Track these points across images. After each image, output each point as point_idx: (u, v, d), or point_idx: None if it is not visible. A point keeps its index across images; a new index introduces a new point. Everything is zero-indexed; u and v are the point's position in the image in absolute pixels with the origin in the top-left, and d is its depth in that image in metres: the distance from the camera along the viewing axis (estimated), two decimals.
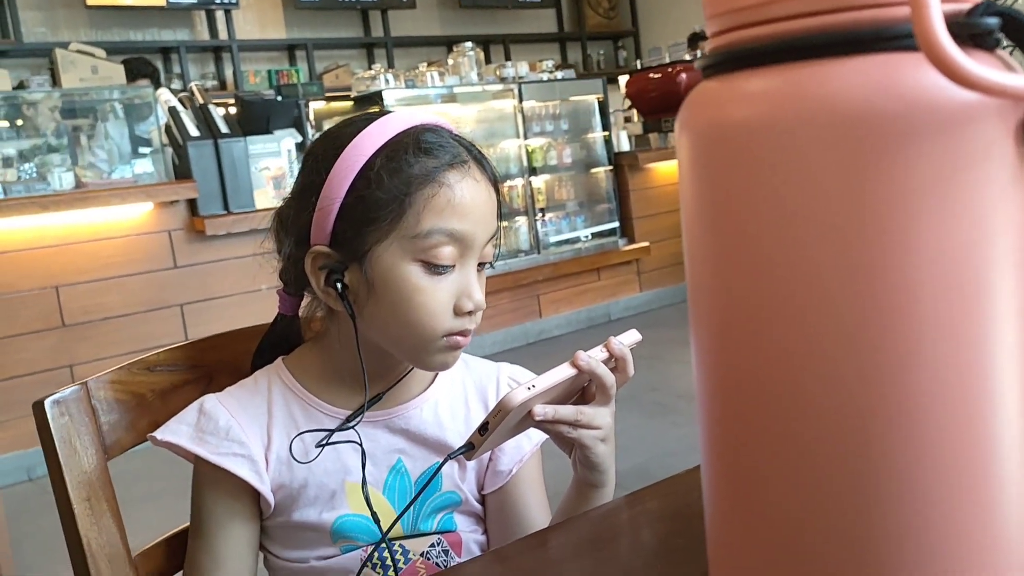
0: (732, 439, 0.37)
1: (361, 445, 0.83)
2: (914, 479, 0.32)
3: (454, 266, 0.80)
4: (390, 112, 0.84)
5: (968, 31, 0.30)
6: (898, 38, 0.29)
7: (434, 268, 0.79)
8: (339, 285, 0.80)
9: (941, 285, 0.30)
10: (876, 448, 0.32)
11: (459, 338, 0.81)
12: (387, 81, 4.76)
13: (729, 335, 0.36)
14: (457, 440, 0.88)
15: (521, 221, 5.07)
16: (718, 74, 0.34)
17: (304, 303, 0.90)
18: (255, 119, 4.09)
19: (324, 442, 0.83)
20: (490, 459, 0.92)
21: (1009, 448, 0.33)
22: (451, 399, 0.92)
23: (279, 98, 4.54)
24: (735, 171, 0.32)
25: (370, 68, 5.76)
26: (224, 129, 3.94)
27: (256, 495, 0.85)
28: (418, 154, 0.79)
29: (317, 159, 0.81)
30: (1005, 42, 0.31)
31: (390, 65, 7.17)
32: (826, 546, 0.34)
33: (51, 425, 0.82)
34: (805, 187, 0.31)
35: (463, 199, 0.79)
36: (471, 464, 0.92)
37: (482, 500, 0.94)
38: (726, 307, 0.36)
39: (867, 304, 0.31)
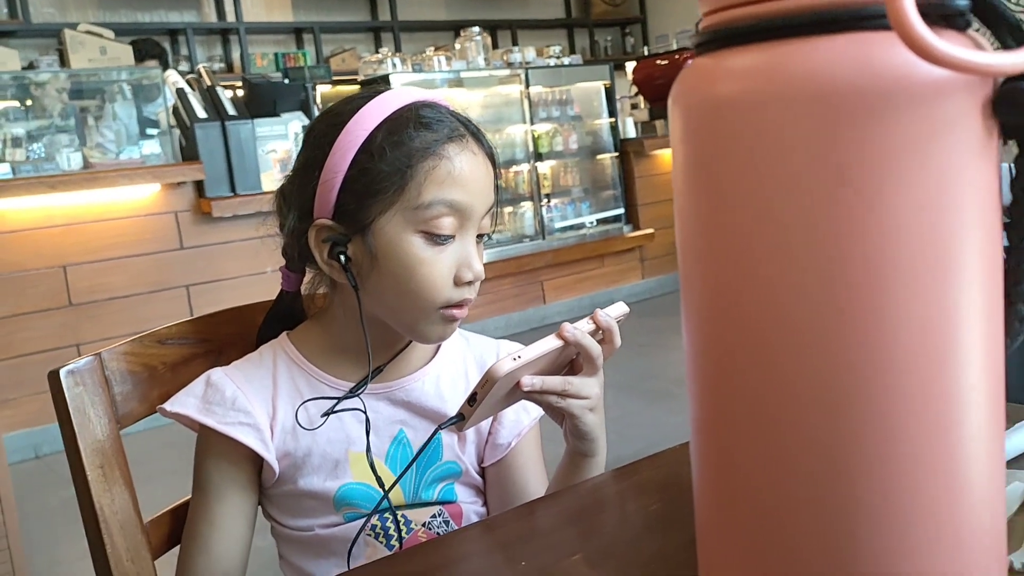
0: (715, 408, 0.39)
1: (365, 412, 0.86)
2: (882, 437, 0.34)
3: (454, 236, 0.82)
4: (388, 89, 0.86)
5: (940, 12, 0.32)
6: (874, 18, 0.31)
7: (435, 238, 0.81)
8: (342, 257, 0.82)
9: (911, 247, 0.32)
10: (844, 412, 0.34)
11: (455, 311, 0.83)
12: (394, 65, 4.77)
13: (713, 308, 0.37)
14: None
15: (526, 206, 5.08)
16: (709, 51, 0.36)
17: (306, 279, 0.92)
18: (262, 102, 4.11)
19: (330, 410, 0.86)
20: (489, 432, 0.95)
21: (975, 406, 0.34)
22: (452, 373, 0.94)
23: (286, 81, 4.56)
24: (722, 143, 0.34)
25: (377, 52, 5.75)
26: (231, 111, 3.96)
27: (258, 465, 0.88)
28: (418, 128, 0.81)
29: (319, 135, 0.84)
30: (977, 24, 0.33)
31: (397, 49, 7.17)
32: (801, 519, 0.36)
33: (66, 395, 0.84)
34: (786, 157, 0.33)
35: (462, 171, 0.81)
36: (471, 437, 0.94)
37: (482, 473, 0.96)
38: (711, 277, 0.37)
39: (841, 268, 0.33)
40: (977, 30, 0.33)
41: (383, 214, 0.81)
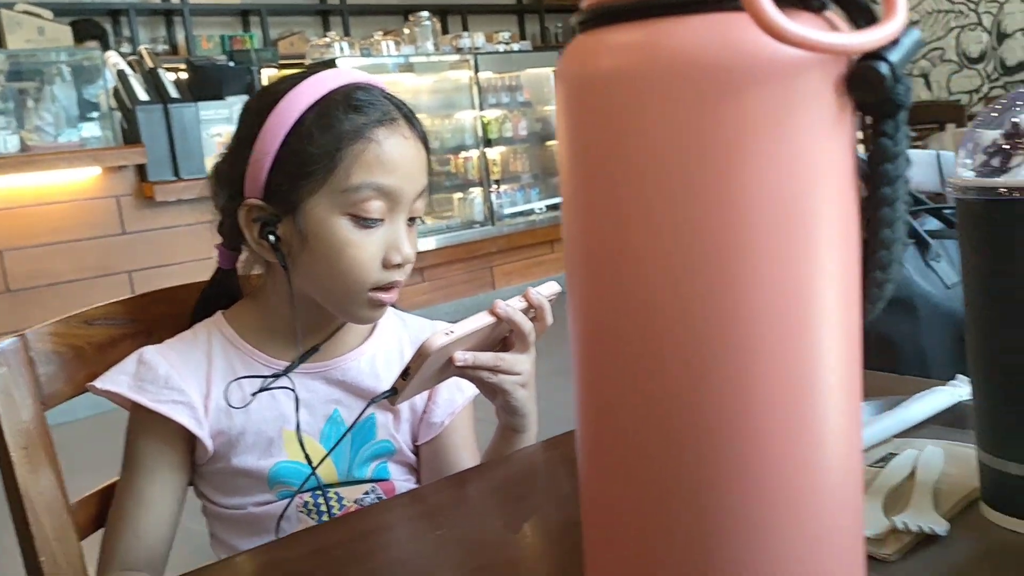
0: (593, 383, 0.40)
1: (294, 391, 0.86)
2: (742, 404, 0.35)
3: (383, 220, 0.83)
4: (326, 70, 0.87)
5: None
6: None
7: (363, 221, 0.82)
8: (272, 237, 0.83)
9: (768, 219, 0.34)
10: (706, 382, 0.36)
11: (383, 294, 0.84)
12: (342, 49, 4.73)
13: (591, 283, 0.38)
14: None
15: (475, 192, 5.09)
16: (589, 28, 0.37)
17: (242, 258, 0.92)
18: (207, 85, 4.05)
19: (260, 388, 0.86)
20: (424, 411, 0.96)
21: (831, 371, 0.37)
22: (387, 353, 0.95)
23: (232, 64, 4.49)
24: (598, 117, 0.36)
25: (325, 36, 5.69)
26: (174, 94, 3.90)
27: (191, 444, 0.88)
28: (348, 111, 0.82)
29: (253, 113, 0.84)
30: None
31: (346, 33, 7.08)
32: (670, 490, 0.37)
33: None
34: (654, 131, 0.35)
35: (391, 155, 0.82)
36: (405, 415, 0.95)
37: (416, 451, 0.98)
38: (588, 252, 0.38)
39: (701, 240, 0.34)
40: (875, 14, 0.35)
41: (312, 196, 0.82)
